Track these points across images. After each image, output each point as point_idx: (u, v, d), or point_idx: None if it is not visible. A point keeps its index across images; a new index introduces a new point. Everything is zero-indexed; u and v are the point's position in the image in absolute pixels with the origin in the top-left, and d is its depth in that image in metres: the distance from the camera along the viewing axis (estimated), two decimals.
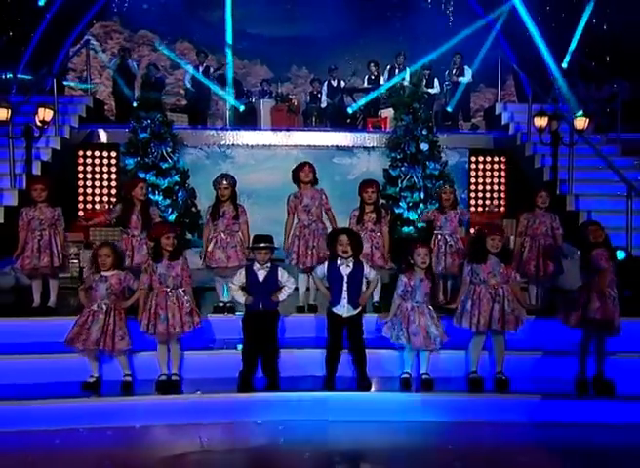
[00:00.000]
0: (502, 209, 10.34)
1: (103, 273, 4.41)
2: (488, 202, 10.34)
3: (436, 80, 11.98)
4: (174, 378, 4.57)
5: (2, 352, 4.85)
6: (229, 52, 12.33)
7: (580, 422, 4.47)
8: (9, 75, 12.05)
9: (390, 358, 4.86)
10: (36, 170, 8.13)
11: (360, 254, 4.77)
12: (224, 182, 5.48)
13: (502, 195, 10.50)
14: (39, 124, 7.54)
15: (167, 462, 3.92)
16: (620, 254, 6.31)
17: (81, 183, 9.59)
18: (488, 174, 10.54)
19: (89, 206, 9.55)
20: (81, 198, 9.60)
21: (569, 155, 8.21)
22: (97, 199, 9.67)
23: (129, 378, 4.57)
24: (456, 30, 12.92)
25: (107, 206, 9.19)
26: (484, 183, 10.52)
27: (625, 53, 12.72)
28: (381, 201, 6.62)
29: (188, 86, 11.83)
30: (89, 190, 9.67)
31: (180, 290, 4.57)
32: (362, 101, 11.37)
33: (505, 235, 5.32)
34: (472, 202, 10.35)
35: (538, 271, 5.63)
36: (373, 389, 4.65)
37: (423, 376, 4.70)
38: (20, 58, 12.39)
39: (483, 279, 4.62)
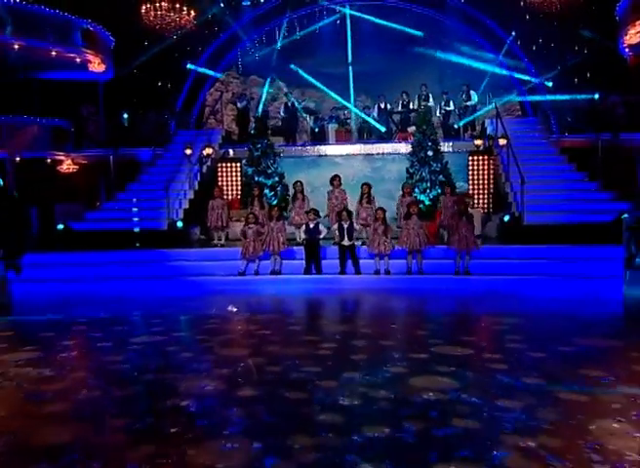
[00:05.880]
0: (492, 190, 15.51)
1: (250, 225, 10.61)
2: (482, 186, 15.58)
3: (451, 101, 17.21)
4: (277, 270, 10.70)
5: (204, 259, 11.26)
6: None
7: (456, 288, 9.99)
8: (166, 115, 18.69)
9: (369, 263, 10.65)
10: (200, 179, 14.64)
11: (352, 218, 10.61)
12: (299, 185, 11.59)
13: (492, 181, 15.63)
14: (205, 155, 13.99)
15: (280, 300, 10.00)
16: (505, 217, 11.66)
17: (220, 184, 15.97)
18: (481, 168, 15.75)
19: (224, 196, 15.87)
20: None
21: (507, 157, 13.39)
22: (228, 193, 16.05)
23: (258, 269, 10.76)
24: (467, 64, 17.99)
25: (237, 197, 15.52)
26: (479, 174, 15.75)
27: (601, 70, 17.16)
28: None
29: (284, 115, 17.86)
30: (225, 188, 16.03)
31: (280, 234, 10.63)
32: (381, 128, 16.84)
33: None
34: (471, 186, 15.58)
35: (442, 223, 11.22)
36: (362, 275, 10.51)
37: (386, 269, 10.48)
38: (176, 102, 19.15)
39: (411, 227, 10.29)
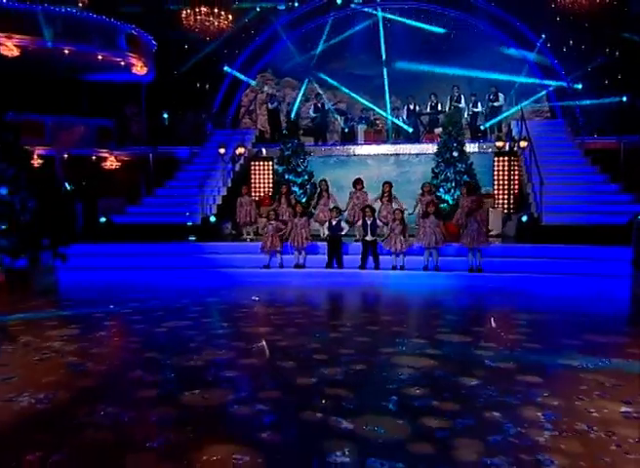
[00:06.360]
0: (516, 190, 15.80)
1: (271, 221, 11.32)
2: (507, 186, 15.87)
3: (479, 103, 17.54)
4: (300, 263, 11.37)
5: (233, 253, 12.00)
6: None
7: (469, 284, 10.48)
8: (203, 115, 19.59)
9: (388, 259, 11.20)
10: (233, 176, 15.44)
11: (375, 215, 11.18)
12: (323, 183, 12.22)
13: (516, 181, 15.93)
14: (238, 154, 14.79)
15: (301, 292, 10.67)
16: (523, 217, 12.02)
17: (252, 181, 16.76)
18: (506, 169, 16.04)
19: (256, 193, 16.64)
20: (252, 189, 16.81)
21: (530, 158, 13.69)
22: (260, 189, 16.80)
23: (282, 262, 11.44)
24: (496, 66, 18.29)
25: (268, 194, 16.25)
26: (504, 175, 16.04)
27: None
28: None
29: (313, 116, 18.51)
30: (256, 185, 16.81)
31: (304, 229, 11.30)
32: (408, 129, 17.29)
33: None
34: (495, 186, 15.90)
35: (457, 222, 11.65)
36: (380, 270, 11.08)
37: (401, 265, 11.02)
38: (213, 103, 20.04)
39: (428, 225, 10.80)
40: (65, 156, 17.81)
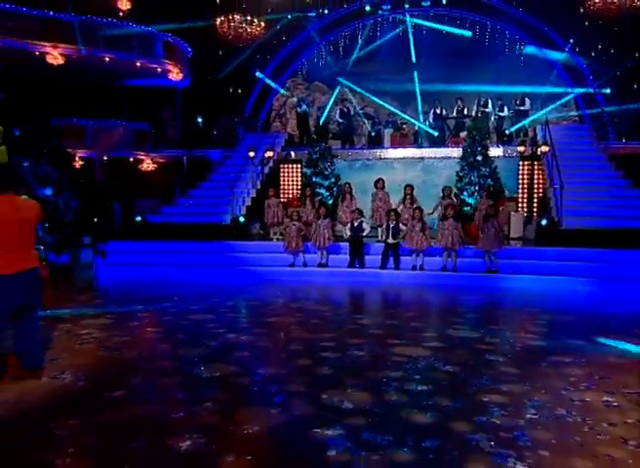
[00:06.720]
0: (541, 194, 15.97)
1: (294, 222, 11.86)
2: (530, 191, 16.04)
3: (505, 107, 17.77)
4: (323, 263, 11.88)
5: (261, 252, 12.59)
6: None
7: (486, 285, 10.81)
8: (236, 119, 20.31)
9: (407, 260, 11.61)
10: (262, 178, 16.06)
11: (399, 219, 11.60)
12: (347, 186, 12.71)
13: (540, 185, 16.09)
14: (267, 157, 15.40)
15: (323, 289, 11.18)
16: (543, 221, 12.25)
17: (281, 183, 17.31)
18: (530, 173, 16.21)
19: (285, 195, 17.20)
20: (281, 191, 17.39)
21: (553, 162, 13.89)
22: (289, 191, 17.34)
23: (305, 262, 11.96)
24: (523, 71, 18.48)
25: (296, 196, 16.79)
26: (528, 179, 16.22)
27: None
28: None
29: (340, 120, 18.99)
30: (285, 187, 17.36)
31: (326, 230, 11.81)
32: (434, 133, 17.64)
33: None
34: (520, 190, 16.10)
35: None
36: (400, 270, 11.50)
37: (420, 265, 11.42)
38: (245, 107, 20.74)
39: (447, 227, 11.18)
40: (105, 158, 18.74)
